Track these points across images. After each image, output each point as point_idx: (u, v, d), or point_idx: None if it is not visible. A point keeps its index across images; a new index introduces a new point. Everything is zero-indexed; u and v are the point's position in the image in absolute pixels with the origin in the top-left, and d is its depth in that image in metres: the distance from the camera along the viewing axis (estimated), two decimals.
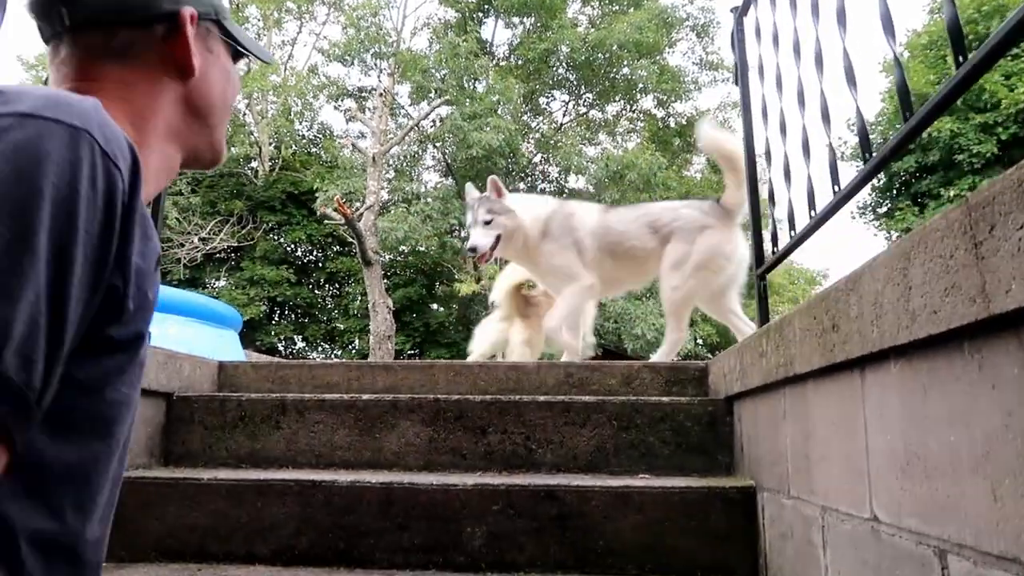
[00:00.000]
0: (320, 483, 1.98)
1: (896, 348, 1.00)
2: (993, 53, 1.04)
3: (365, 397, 2.32)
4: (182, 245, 18.58)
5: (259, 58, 1.09)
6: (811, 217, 1.80)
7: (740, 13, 2.60)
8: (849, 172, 1.50)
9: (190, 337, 4.90)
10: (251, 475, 2.08)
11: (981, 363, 0.82)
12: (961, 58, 1.11)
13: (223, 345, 5.37)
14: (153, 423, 2.30)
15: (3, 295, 0.56)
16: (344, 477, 2.02)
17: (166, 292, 5.74)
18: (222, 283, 21.27)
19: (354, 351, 21.56)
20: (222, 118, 0.99)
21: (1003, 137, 15.91)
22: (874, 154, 1.43)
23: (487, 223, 3.66)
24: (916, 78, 16.25)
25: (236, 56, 1.04)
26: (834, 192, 1.62)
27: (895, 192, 18.98)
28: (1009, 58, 15.04)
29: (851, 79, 1.52)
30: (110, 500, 0.80)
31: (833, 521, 1.29)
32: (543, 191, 20.96)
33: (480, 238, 3.66)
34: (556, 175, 20.80)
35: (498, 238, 3.65)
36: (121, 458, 0.81)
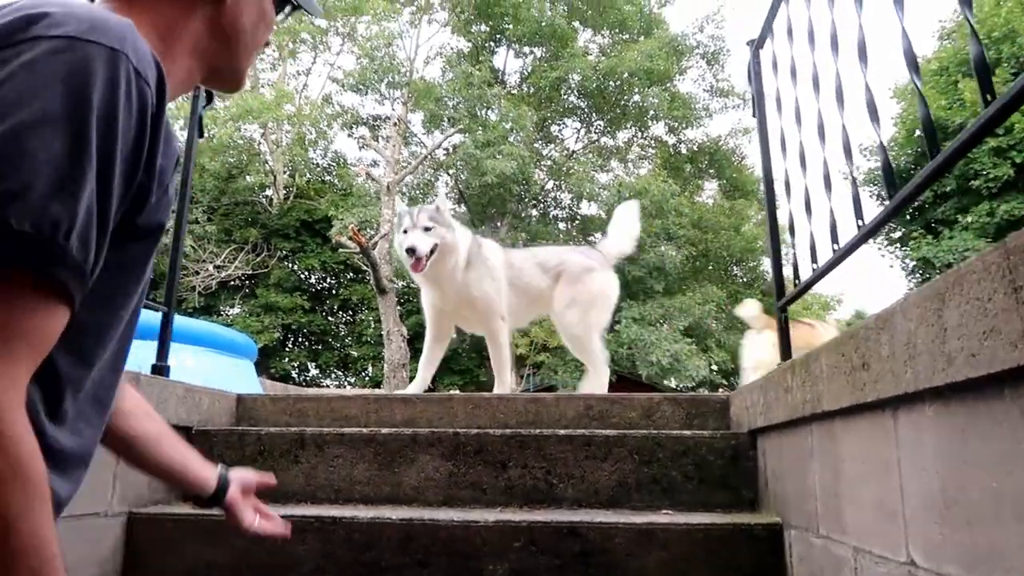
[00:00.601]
0: (340, 519, 1.96)
1: (931, 390, 0.98)
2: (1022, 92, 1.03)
3: (384, 431, 2.31)
4: (197, 273, 18.73)
5: (304, 8, 1.10)
6: (834, 251, 1.79)
7: (756, 46, 2.61)
8: (867, 200, 1.50)
9: (206, 367, 4.91)
10: (272, 511, 2.06)
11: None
12: (989, 96, 1.11)
13: (239, 374, 5.39)
14: None
15: (70, 193, 0.69)
16: (364, 513, 2.00)
17: (182, 322, 5.78)
18: (236, 310, 21.41)
19: (367, 378, 21.57)
20: (249, 48, 1.02)
21: (1018, 160, 15.84)
22: (898, 192, 1.42)
23: (427, 229, 3.48)
24: (928, 104, 16.24)
25: (281, 3, 1.07)
26: (858, 227, 1.61)
27: (908, 218, 18.89)
28: None
29: (875, 116, 1.52)
30: (120, 353, 0.94)
31: (867, 563, 1.26)
32: (556, 218, 21.03)
33: (420, 241, 3.45)
34: (568, 202, 20.87)
35: (435, 248, 3.49)
36: (131, 322, 0.94)
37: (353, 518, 1.96)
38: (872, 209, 1.57)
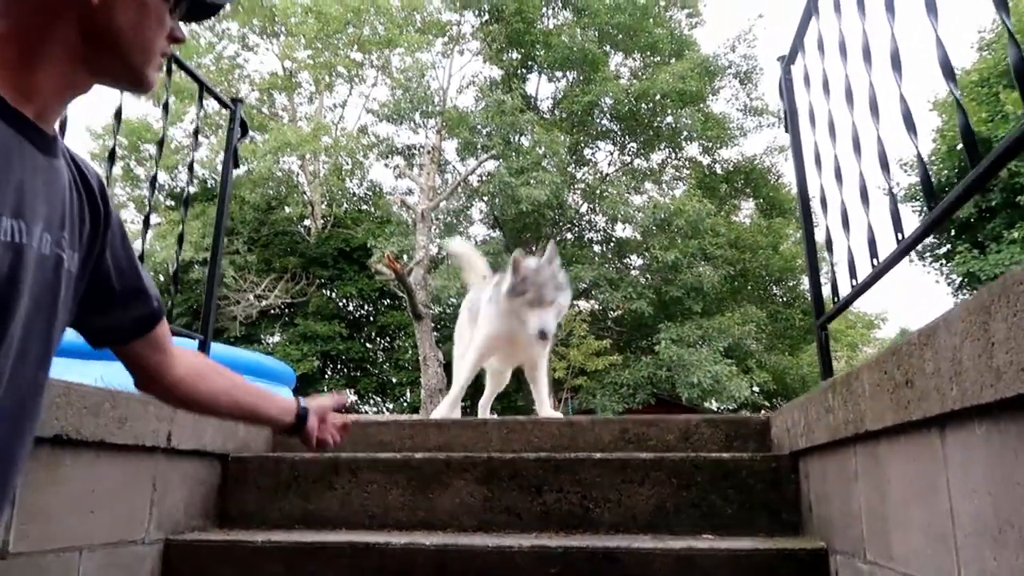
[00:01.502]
0: (374, 545, 1.95)
1: (980, 407, 0.94)
2: None
3: (418, 456, 2.30)
4: (238, 303, 19.07)
5: None
6: (873, 266, 1.74)
7: (787, 62, 2.58)
8: (907, 215, 1.46)
9: None
10: (305, 537, 2.06)
11: None
12: None
13: None
14: (208, 485, 2.31)
15: None
16: (398, 539, 1.99)
17: (221, 350, 5.88)
18: (276, 339, 21.73)
19: (406, 403, 21.64)
20: (137, 47, 1.00)
21: None
22: (939, 203, 1.38)
23: (552, 303, 3.22)
24: (969, 116, 15.88)
25: None
26: (897, 240, 1.57)
27: (954, 233, 18.43)
28: None
29: (911, 126, 1.48)
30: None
31: None
32: (591, 240, 20.99)
33: (551, 322, 3.22)
34: (603, 224, 20.83)
35: (559, 321, 3.30)
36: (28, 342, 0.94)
37: (387, 544, 1.95)
38: (912, 223, 1.53)
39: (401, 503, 2.26)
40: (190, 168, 2.80)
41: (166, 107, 2.52)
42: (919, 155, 1.46)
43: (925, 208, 1.45)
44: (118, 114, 2.23)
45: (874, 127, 1.71)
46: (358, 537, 2.04)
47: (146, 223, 2.47)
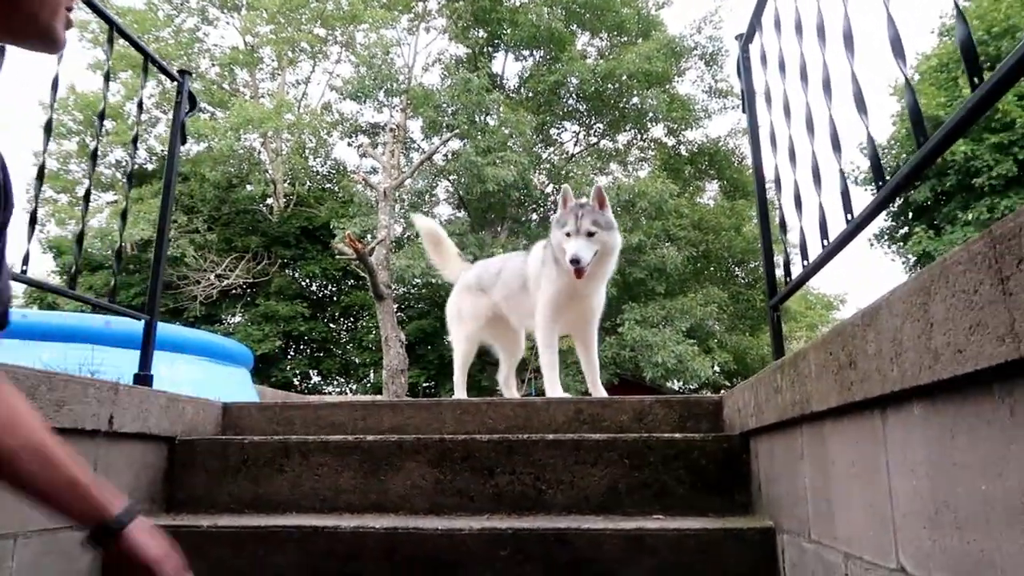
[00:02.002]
0: (323, 529, 1.92)
1: (919, 388, 0.93)
2: (1011, 73, 0.98)
3: (370, 438, 2.26)
4: (198, 282, 18.72)
5: None
6: (823, 247, 1.74)
7: (745, 41, 2.57)
8: (863, 198, 1.45)
9: (200, 376, 4.87)
10: (253, 521, 2.02)
11: (1013, 407, 0.76)
12: (976, 79, 1.06)
13: (234, 383, 5.34)
14: (155, 468, 2.25)
15: None
16: (347, 523, 1.95)
17: (175, 330, 5.75)
18: (238, 319, 21.39)
19: (369, 384, 21.52)
20: (38, 3, 0.96)
21: (1020, 157, 15.74)
22: (888, 179, 1.37)
23: (591, 235, 3.27)
24: (928, 100, 16.15)
25: None
26: (847, 221, 1.57)
27: (911, 216, 18.80)
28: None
29: (861, 105, 1.47)
30: None
31: (857, 570, 1.21)
32: None
33: (584, 250, 3.23)
34: None
35: (595, 254, 3.29)
36: None
37: (336, 527, 1.92)
38: (863, 202, 1.52)
39: (352, 486, 2.23)
40: (134, 142, 2.70)
41: (107, 77, 2.41)
42: (869, 135, 1.45)
43: (875, 187, 1.45)
44: (54, 84, 2.14)
45: (827, 108, 1.70)
46: (307, 521, 2.00)
47: (86, 198, 2.38)
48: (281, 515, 2.16)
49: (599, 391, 3.50)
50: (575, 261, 3.21)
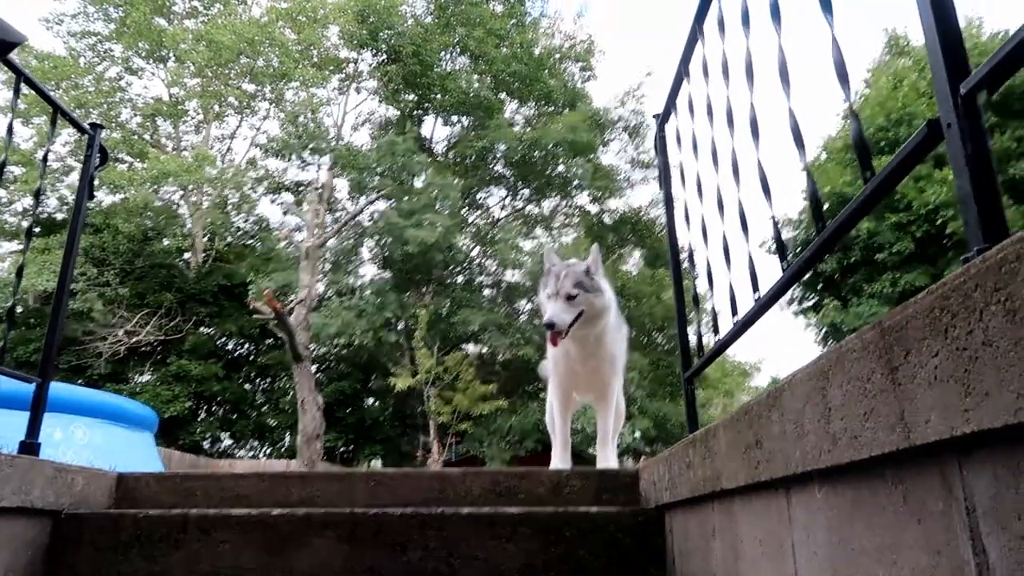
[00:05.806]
0: None
1: (820, 471, 0.95)
2: (898, 170, 1.05)
3: (275, 512, 2.15)
4: (104, 338, 17.83)
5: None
6: (734, 323, 1.78)
7: (661, 120, 2.67)
8: (776, 269, 1.49)
9: (99, 441, 4.58)
10: None
11: (905, 494, 0.78)
12: (869, 173, 1.12)
13: (135, 447, 5.05)
14: (35, 545, 2.08)
15: None
16: None
17: (74, 392, 5.42)
18: (146, 378, 20.37)
19: (283, 448, 20.73)
20: None
21: (918, 235, 16.82)
22: (791, 262, 1.43)
23: (570, 298, 3.12)
24: (835, 179, 17.18)
25: None
26: (755, 300, 1.62)
27: (820, 287, 19.71)
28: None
29: (766, 191, 1.54)
30: None
31: None
32: (481, 284, 21.07)
33: (561, 313, 3.09)
34: (493, 269, 20.98)
35: (579, 316, 3.15)
36: None
37: None
38: (776, 275, 1.57)
39: (256, 564, 2.11)
40: (36, 195, 2.57)
41: (10, 130, 2.32)
42: (773, 219, 1.52)
43: (782, 266, 1.51)
44: None
45: (736, 190, 1.77)
46: None
47: None
48: None
49: (604, 461, 3.46)
50: (549, 325, 3.11)
